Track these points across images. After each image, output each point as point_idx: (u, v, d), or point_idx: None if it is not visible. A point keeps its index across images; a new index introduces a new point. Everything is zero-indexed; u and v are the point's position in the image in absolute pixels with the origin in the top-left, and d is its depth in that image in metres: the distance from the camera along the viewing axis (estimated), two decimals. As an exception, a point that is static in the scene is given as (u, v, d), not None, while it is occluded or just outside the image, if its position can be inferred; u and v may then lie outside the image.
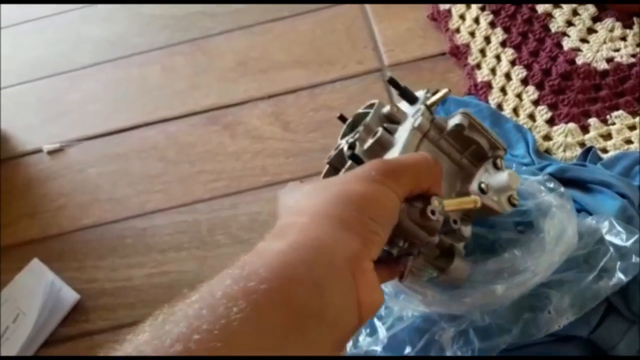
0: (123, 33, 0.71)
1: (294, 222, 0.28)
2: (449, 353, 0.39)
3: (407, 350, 0.40)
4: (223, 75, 0.65)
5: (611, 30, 0.59)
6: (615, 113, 0.54)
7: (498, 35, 0.61)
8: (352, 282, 0.27)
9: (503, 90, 0.57)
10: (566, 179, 0.46)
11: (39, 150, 0.63)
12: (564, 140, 0.53)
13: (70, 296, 0.52)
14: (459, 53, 0.60)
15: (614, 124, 0.53)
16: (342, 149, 0.39)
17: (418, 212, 0.31)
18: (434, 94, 0.39)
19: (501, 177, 0.37)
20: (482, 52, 0.60)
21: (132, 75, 0.67)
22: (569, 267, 0.39)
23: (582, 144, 0.53)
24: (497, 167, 0.38)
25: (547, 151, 0.53)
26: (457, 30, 0.62)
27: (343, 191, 0.29)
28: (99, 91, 0.67)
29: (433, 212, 0.31)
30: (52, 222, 0.58)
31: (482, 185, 0.37)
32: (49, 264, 0.54)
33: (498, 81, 0.58)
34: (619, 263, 0.38)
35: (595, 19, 0.60)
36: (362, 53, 0.63)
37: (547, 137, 0.54)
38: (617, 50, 0.57)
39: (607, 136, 0.53)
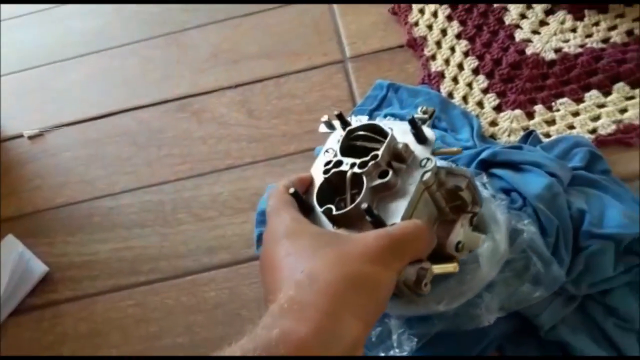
0: (105, 27, 0.75)
1: (312, 302, 0.30)
2: (394, 336, 0.42)
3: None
4: (195, 66, 0.68)
5: (562, 23, 0.61)
6: (560, 100, 0.56)
7: (454, 27, 0.64)
8: None
9: (455, 79, 0.60)
10: (498, 162, 0.49)
11: (20, 136, 0.67)
12: (509, 126, 0.56)
13: (39, 268, 0.56)
14: (416, 45, 0.63)
15: (558, 110, 0.56)
16: (344, 172, 0.39)
17: (412, 282, 0.35)
18: (431, 116, 0.41)
19: (476, 240, 0.40)
20: (438, 44, 0.63)
21: (112, 67, 0.71)
22: (501, 270, 0.42)
23: (526, 129, 0.55)
24: (472, 225, 0.40)
25: (492, 136, 0.56)
26: (416, 24, 0.65)
27: (358, 275, 0.32)
28: (80, 81, 0.70)
29: (426, 284, 0.35)
30: (28, 201, 0.62)
31: (460, 245, 0.39)
32: (23, 239, 0.58)
33: (451, 71, 0.61)
34: (543, 275, 0.41)
35: (548, 12, 0.63)
36: (327, 45, 0.66)
37: (493, 123, 0.57)
38: (567, 41, 0.60)
39: (551, 122, 0.55)
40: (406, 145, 0.39)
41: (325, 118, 0.44)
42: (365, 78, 0.62)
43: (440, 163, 0.41)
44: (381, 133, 0.40)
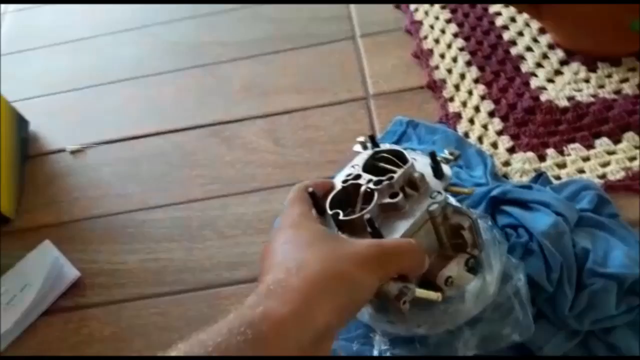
0: (144, 57, 0.80)
1: (296, 286, 0.33)
2: (376, 350, 0.44)
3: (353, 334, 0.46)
4: (228, 96, 0.73)
5: (576, 73, 0.65)
6: (572, 145, 0.59)
7: (473, 73, 0.68)
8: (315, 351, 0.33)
9: (471, 120, 0.64)
10: (508, 200, 0.52)
11: (62, 150, 0.72)
12: (522, 167, 0.59)
13: (71, 273, 0.59)
14: (435, 87, 0.67)
15: (569, 154, 0.59)
16: (360, 185, 0.42)
17: (394, 295, 0.37)
18: (456, 158, 0.44)
19: (466, 280, 0.42)
20: (457, 87, 0.67)
21: (149, 93, 0.76)
22: (486, 310, 0.43)
23: (537, 171, 0.58)
24: (467, 265, 0.43)
25: (505, 175, 0.59)
26: (437, 67, 0.69)
27: (342, 273, 0.34)
28: (119, 104, 0.76)
29: (405, 302, 0.37)
30: (67, 210, 0.66)
31: (449, 280, 0.42)
32: (59, 245, 0.62)
33: (468, 113, 0.64)
34: (521, 323, 0.43)
35: (563, 63, 0.67)
36: (351, 83, 0.71)
37: (506, 163, 0.60)
38: (580, 90, 0.63)
39: (562, 165, 0.58)
40: (422, 175, 0.42)
41: (361, 139, 0.48)
42: (386, 115, 0.66)
43: (451, 200, 0.44)
44: (403, 160, 0.44)
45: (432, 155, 0.42)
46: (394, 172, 0.43)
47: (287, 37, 0.78)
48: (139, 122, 0.73)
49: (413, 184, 0.42)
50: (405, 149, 0.46)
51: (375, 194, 0.41)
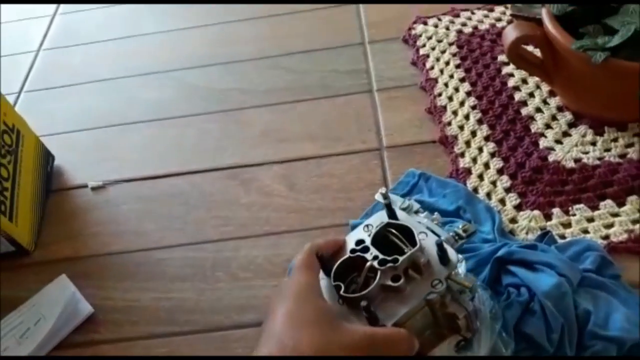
0: (168, 99, 0.84)
1: None
2: None
3: None
4: (247, 141, 0.76)
5: (584, 136, 0.67)
6: (577, 206, 0.61)
7: (484, 131, 0.70)
8: None
9: (480, 176, 0.66)
10: (513, 261, 0.53)
11: (84, 186, 0.75)
12: (528, 225, 0.60)
13: (85, 309, 0.61)
14: (447, 142, 0.70)
15: (574, 215, 0.61)
16: (366, 260, 0.44)
17: None
18: (469, 236, 0.46)
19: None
20: (467, 143, 0.69)
21: (171, 134, 0.79)
22: None
23: (543, 229, 0.60)
24: (457, 347, 0.44)
25: (512, 232, 0.61)
26: (449, 124, 0.72)
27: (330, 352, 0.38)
28: (141, 144, 0.79)
29: None
30: (85, 245, 0.68)
31: None
32: (74, 279, 0.63)
33: (477, 169, 0.66)
34: None
35: (571, 125, 0.69)
36: (366, 134, 0.73)
37: (513, 220, 0.61)
38: (586, 153, 0.66)
39: (567, 225, 0.60)
40: (428, 262, 0.43)
41: (383, 190, 0.49)
42: (398, 167, 0.69)
43: (459, 269, 0.45)
44: (412, 239, 0.45)
45: (440, 246, 0.43)
46: (402, 249, 0.44)
47: (306, 88, 0.81)
48: (160, 162, 0.76)
49: (417, 267, 0.43)
50: (417, 211, 0.47)
51: (378, 274, 0.43)
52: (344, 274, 0.45)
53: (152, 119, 0.82)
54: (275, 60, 0.86)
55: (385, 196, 0.50)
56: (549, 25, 0.63)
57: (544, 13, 0.64)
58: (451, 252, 0.44)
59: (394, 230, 0.46)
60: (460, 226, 0.46)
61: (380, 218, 0.48)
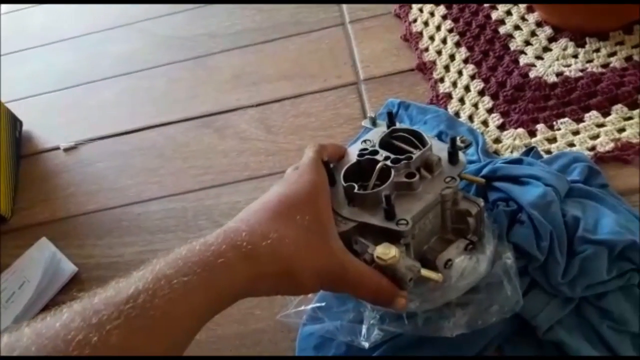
0: (137, 51, 0.81)
1: (256, 256, 0.36)
2: (365, 326, 0.45)
3: (344, 308, 0.46)
4: (219, 87, 0.73)
5: (564, 49, 0.65)
6: (561, 120, 0.59)
7: (462, 53, 0.68)
8: None
9: (462, 100, 0.64)
10: (499, 177, 0.52)
11: (56, 148, 0.72)
12: (512, 143, 0.59)
13: (69, 268, 0.60)
14: (425, 69, 0.67)
15: (559, 129, 0.59)
16: (376, 161, 0.43)
17: (402, 274, 0.39)
18: (466, 146, 0.45)
19: (464, 266, 0.43)
20: (446, 68, 0.67)
21: (141, 87, 0.76)
22: (475, 289, 0.44)
23: (528, 146, 0.58)
24: (465, 250, 0.44)
25: (496, 152, 0.59)
26: (426, 50, 0.69)
27: (298, 276, 0.37)
28: (112, 99, 0.76)
29: (411, 279, 0.39)
30: (62, 207, 0.66)
31: (449, 263, 0.43)
32: (55, 241, 0.62)
33: (458, 92, 0.64)
34: (509, 300, 0.43)
35: (551, 40, 0.67)
36: (342, 69, 0.71)
37: (497, 140, 0.60)
38: (568, 66, 0.63)
39: (552, 140, 0.58)
40: (439, 159, 0.43)
41: (372, 114, 0.49)
42: (377, 98, 0.66)
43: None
44: (420, 141, 0.44)
45: (452, 142, 0.43)
46: (411, 152, 0.43)
47: (276, 26, 0.78)
48: (131, 116, 0.73)
49: (429, 166, 0.43)
50: (419, 129, 0.46)
51: (392, 172, 0.42)
52: (350, 180, 0.43)
53: (120, 74, 0.79)
54: (244, -1, 0.83)
55: (374, 120, 0.49)
56: None
57: None
58: (460, 154, 0.44)
59: (401, 134, 0.45)
60: (458, 138, 0.45)
61: (377, 132, 0.47)
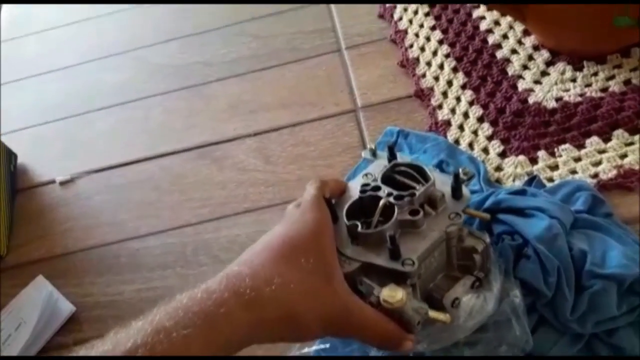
0: (131, 80, 0.80)
1: (260, 302, 0.36)
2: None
3: (349, 349, 0.45)
4: (216, 116, 0.73)
5: (562, 73, 0.65)
6: (563, 146, 0.59)
7: (460, 79, 0.67)
8: None
9: (461, 127, 0.63)
10: (503, 209, 0.51)
11: (52, 182, 0.71)
12: (514, 171, 0.58)
13: (66, 308, 0.59)
14: (423, 95, 0.67)
15: (560, 156, 0.58)
16: (379, 197, 0.42)
17: (409, 317, 0.38)
18: (469, 179, 0.45)
19: (471, 304, 0.42)
20: (444, 94, 0.67)
21: (136, 117, 0.75)
22: (483, 327, 0.43)
23: (530, 174, 0.58)
24: (472, 288, 0.43)
25: (498, 181, 0.58)
26: (423, 75, 0.69)
27: (302, 321, 0.37)
28: (107, 130, 0.75)
29: (419, 323, 0.38)
30: (59, 243, 0.65)
31: (456, 302, 0.42)
32: (52, 280, 0.61)
33: (457, 119, 0.64)
34: (518, 339, 0.43)
35: (549, 64, 0.66)
36: (339, 96, 0.70)
37: (498, 168, 0.59)
38: (567, 90, 0.63)
39: (554, 167, 0.58)
40: (443, 195, 0.42)
41: (372, 146, 0.49)
42: (376, 126, 0.66)
43: None
44: (423, 175, 0.44)
45: (456, 177, 0.42)
46: (414, 187, 0.43)
47: (272, 53, 0.77)
48: (127, 148, 0.72)
49: (433, 202, 0.42)
50: (421, 163, 0.45)
51: (396, 209, 0.41)
52: (352, 217, 0.43)
53: (114, 104, 0.78)
54: (240, 26, 0.82)
55: (374, 152, 0.48)
56: (517, -41, 0.59)
57: (511, -53, 0.60)
58: (464, 188, 0.43)
59: (403, 169, 0.45)
60: (461, 169, 0.45)
61: (379, 166, 0.47)
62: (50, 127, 0.78)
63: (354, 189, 0.45)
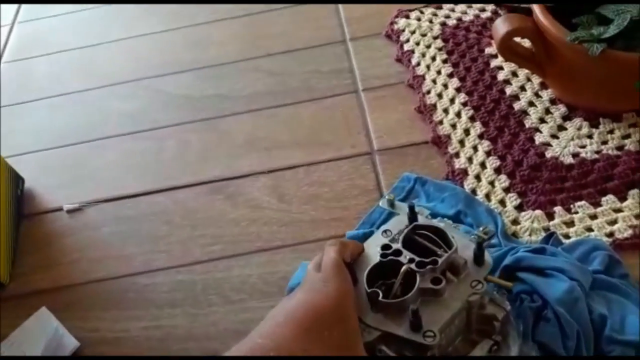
0: (145, 109, 0.79)
1: None
2: None
3: None
4: (230, 151, 0.72)
5: (579, 129, 0.66)
6: (579, 203, 0.59)
7: (477, 128, 0.68)
8: None
9: (478, 177, 0.63)
10: (522, 267, 0.51)
11: (59, 209, 0.70)
12: (530, 226, 0.58)
13: (71, 343, 0.57)
14: (440, 142, 0.67)
15: (577, 212, 0.59)
16: (400, 263, 0.42)
17: None
18: (490, 238, 0.45)
19: None
20: (461, 142, 0.67)
21: (149, 147, 0.75)
22: None
23: (546, 229, 0.58)
24: (490, 352, 0.43)
25: (515, 234, 0.58)
26: (440, 122, 0.69)
27: None
28: (118, 159, 0.74)
29: None
30: (65, 274, 0.64)
31: None
32: (56, 312, 0.59)
33: (474, 169, 0.64)
34: None
35: (566, 118, 0.67)
36: (356, 138, 0.70)
37: (515, 222, 0.59)
38: (583, 146, 0.64)
39: (570, 223, 0.58)
40: (465, 263, 0.42)
41: (390, 196, 0.49)
42: (392, 170, 0.66)
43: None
44: (444, 239, 0.43)
45: (479, 245, 0.42)
46: (435, 252, 0.42)
47: (288, 91, 0.77)
48: (138, 178, 0.71)
49: (455, 268, 0.42)
50: (427, 216, 0.45)
51: (418, 277, 0.41)
52: (373, 281, 0.42)
53: (126, 133, 0.77)
54: (255, 62, 0.82)
55: (391, 202, 0.48)
56: (540, 16, 0.60)
57: (534, 5, 0.61)
58: (486, 254, 0.43)
59: (424, 232, 0.44)
60: (481, 229, 0.45)
61: (398, 223, 0.46)
62: (59, 152, 0.77)
63: (373, 246, 0.45)
